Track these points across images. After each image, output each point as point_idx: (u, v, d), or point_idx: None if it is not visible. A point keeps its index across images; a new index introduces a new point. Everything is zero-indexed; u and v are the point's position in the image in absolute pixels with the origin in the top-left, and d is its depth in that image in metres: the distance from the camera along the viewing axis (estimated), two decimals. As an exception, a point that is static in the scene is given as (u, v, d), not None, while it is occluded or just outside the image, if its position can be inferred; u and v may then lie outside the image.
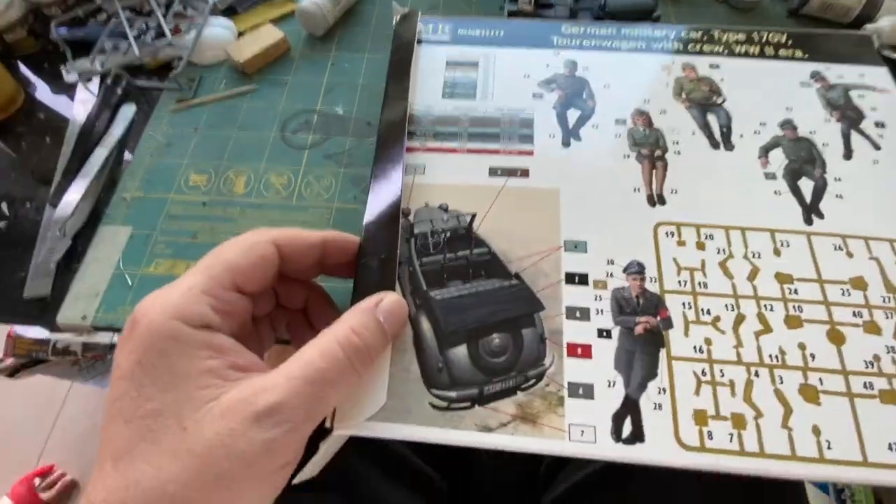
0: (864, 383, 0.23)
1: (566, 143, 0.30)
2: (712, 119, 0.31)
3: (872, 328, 0.25)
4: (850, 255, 0.26)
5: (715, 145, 0.30)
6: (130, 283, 0.31)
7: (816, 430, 0.22)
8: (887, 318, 0.25)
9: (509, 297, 0.25)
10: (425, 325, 0.25)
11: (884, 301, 0.25)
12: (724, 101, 0.32)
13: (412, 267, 0.26)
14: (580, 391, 0.23)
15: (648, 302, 0.25)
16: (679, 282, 0.26)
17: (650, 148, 0.30)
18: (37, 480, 0.91)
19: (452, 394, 0.23)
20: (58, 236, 0.33)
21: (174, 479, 0.17)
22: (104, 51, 0.41)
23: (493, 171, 0.29)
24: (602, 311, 0.25)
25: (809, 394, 0.23)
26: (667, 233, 0.27)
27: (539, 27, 0.36)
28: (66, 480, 0.93)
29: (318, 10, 0.40)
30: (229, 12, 0.44)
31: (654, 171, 0.29)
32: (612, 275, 0.26)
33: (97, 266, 0.32)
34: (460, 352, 0.24)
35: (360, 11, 0.44)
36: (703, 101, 0.32)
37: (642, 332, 0.25)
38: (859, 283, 0.26)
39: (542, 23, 0.36)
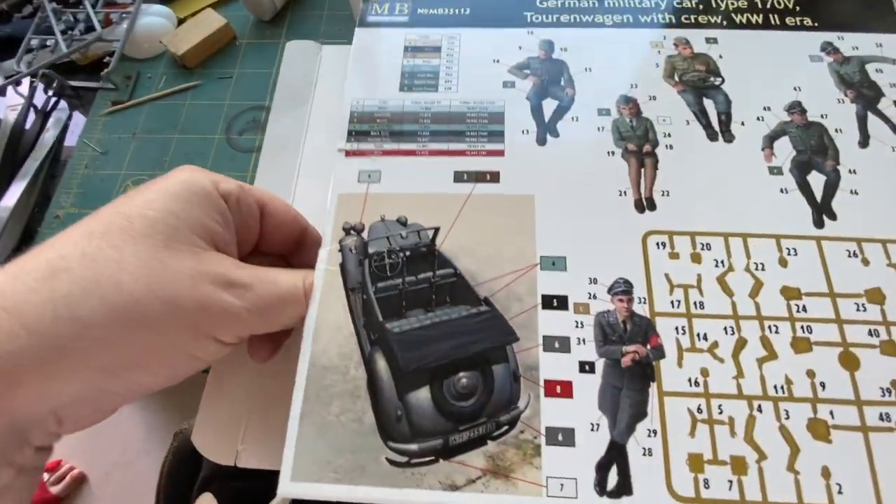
0: (881, 414, 0.20)
1: (542, 141, 0.26)
2: (709, 105, 0.27)
3: (890, 349, 0.22)
4: (865, 262, 0.23)
5: (712, 136, 0.26)
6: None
7: (826, 473, 0.20)
8: (908, 335, 0.22)
9: (478, 326, 0.22)
10: (381, 363, 0.22)
11: (904, 316, 0.22)
12: (722, 82, 0.28)
13: (366, 294, 0.23)
14: (559, 437, 0.20)
15: (637, 327, 0.22)
16: (672, 302, 0.22)
17: (638, 142, 0.26)
18: (45, 475, 0.91)
19: (414, 447, 0.20)
20: (-18, 262, 0.29)
21: (132, 272, 0.17)
22: (31, 49, 0.36)
23: (458, 176, 0.26)
24: (584, 340, 0.22)
25: (819, 430, 0.20)
26: (658, 243, 0.24)
27: (511, 1, 0.31)
28: (75, 474, 0.94)
29: None
30: None
31: (642, 170, 0.25)
32: (595, 296, 0.23)
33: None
34: (422, 395, 0.21)
35: None
36: (699, 84, 0.28)
37: (630, 363, 0.21)
38: (876, 296, 0.22)
39: (513, -5, 0.31)
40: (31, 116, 0.36)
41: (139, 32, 0.36)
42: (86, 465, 0.94)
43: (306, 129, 0.30)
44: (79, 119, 0.36)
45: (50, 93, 0.37)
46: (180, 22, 0.38)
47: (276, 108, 0.31)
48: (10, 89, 0.36)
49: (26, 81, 0.37)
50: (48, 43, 0.37)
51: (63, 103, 0.37)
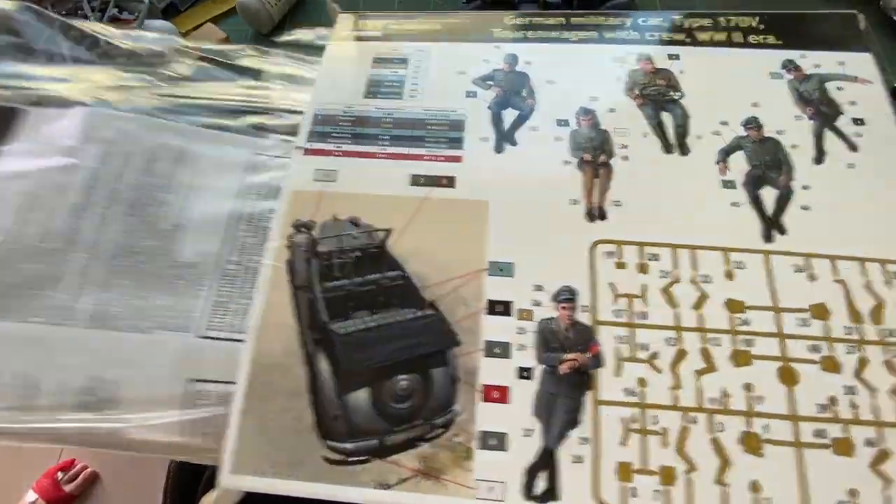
0: (816, 431, 0.20)
1: (499, 149, 0.27)
2: (667, 118, 0.27)
3: (831, 365, 0.22)
4: (812, 277, 0.23)
5: (668, 149, 0.26)
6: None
7: (756, 487, 0.20)
8: (849, 352, 0.22)
9: (421, 330, 0.23)
10: (323, 364, 0.22)
11: (847, 332, 0.22)
12: (681, 96, 0.28)
13: (312, 294, 0.23)
14: (492, 442, 0.21)
15: (578, 335, 0.22)
16: (615, 311, 0.23)
17: (594, 153, 0.26)
18: (59, 474, 0.92)
19: (349, 445, 0.21)
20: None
21: None
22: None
23: (415, 180, 0.26)
24: (525, 346, 0.22)
25: (751, 443, 0.20)
26: (605, 253, 0.24)
27: (480, 18, 0.32)
28: (88, 473, 0.95)
29: (261, 5, 0.36)
30: (171, 12, 0.41)
31: (595, 181, 0.26)
32: (539, 303, 0.23)
33: None
34: (361, 396, 0.21)
35: (309, 2, 0.40)
36: (658, 98, 0.28)
37: (568, 371, 0.22)
38: (821, 312, 0.22)
39: (483, 15, 0.32)
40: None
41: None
42: (98, 465, 0.96)
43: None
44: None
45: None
46: (183, 36, 0.39)
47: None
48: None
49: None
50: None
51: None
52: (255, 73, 0.29)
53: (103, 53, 0.29)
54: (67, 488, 0.90)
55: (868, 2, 0.36)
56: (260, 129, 0.27)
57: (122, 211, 0.25)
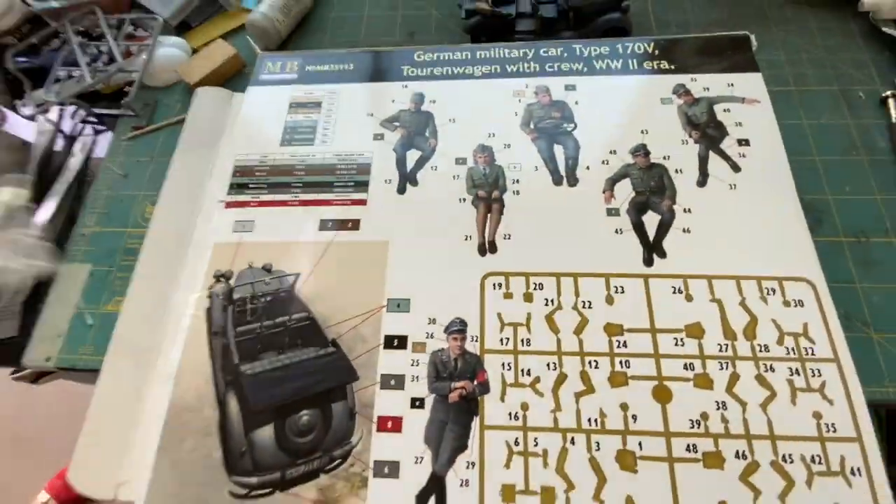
0: (688, 445, 0.22)
1: (401, 190, 0.29)
2: (559, 151, 0.29)
3: (703, 382, 0.23)
4: (689, 298, 0.25)
5: (558, 181, 0.28)
6: (91, 323, 0.31)
7: (630, 501, 0.21)
8: (721, 368, 0.23)
9: (323, 367, 0.24)
10: (233, 404, 0.24)
11: (720, 349, 0.23)
12: (574, 128, 0.29)
13: (227, 339, 0.25)
14: (385, 470, 0.22)
15: (467, 364, 0.24)
16: (501, 339, 0.24)
17: (487, 189, 0.28)
18: None
19: (254, 480, 0.22)
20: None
21: None
22: (59, 79, 0.40)
23: (323, 225, 0.28)
24: (418, 377, 0.24)
25: (626, 461, 0.22)
26: (494, 284, 0.25)
27: (390, 57, 0.33)
28: None
29: (269, 22, 0.38)
30: (183, 28, 0.43)
31: (489, 216, 0.27)
32: (432, 335, 0.25)
33: (59, 306, 0.31)
34: (265, 433, 0.23)
35: (315, 18, 0.41)
36: (552, 130, 0.29)
37: (457, 398, 0.23)
38: (695, 331, 0.24)
39: (394, 52, 0.34)
40: (60, 142, 0.39)
41: (156, 63, 0.40)
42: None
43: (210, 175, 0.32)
44: (102, 144, 0.39)
45: (76, 119, 0.40)
46: (194, 52, 0.41)
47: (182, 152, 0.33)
48: (39, 116, 0.40)
49: (54, 109, 0.40)
50: (74, 74, 0.41)
51: (88, 129, 0.40)
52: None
53: None
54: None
55: (858, 14, 0.37)
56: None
57: None
